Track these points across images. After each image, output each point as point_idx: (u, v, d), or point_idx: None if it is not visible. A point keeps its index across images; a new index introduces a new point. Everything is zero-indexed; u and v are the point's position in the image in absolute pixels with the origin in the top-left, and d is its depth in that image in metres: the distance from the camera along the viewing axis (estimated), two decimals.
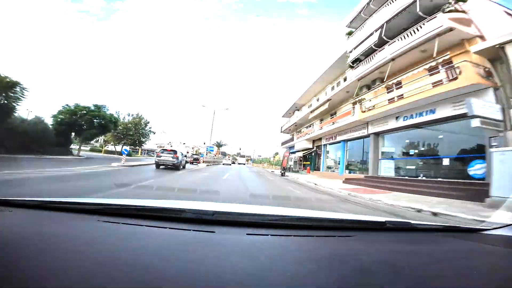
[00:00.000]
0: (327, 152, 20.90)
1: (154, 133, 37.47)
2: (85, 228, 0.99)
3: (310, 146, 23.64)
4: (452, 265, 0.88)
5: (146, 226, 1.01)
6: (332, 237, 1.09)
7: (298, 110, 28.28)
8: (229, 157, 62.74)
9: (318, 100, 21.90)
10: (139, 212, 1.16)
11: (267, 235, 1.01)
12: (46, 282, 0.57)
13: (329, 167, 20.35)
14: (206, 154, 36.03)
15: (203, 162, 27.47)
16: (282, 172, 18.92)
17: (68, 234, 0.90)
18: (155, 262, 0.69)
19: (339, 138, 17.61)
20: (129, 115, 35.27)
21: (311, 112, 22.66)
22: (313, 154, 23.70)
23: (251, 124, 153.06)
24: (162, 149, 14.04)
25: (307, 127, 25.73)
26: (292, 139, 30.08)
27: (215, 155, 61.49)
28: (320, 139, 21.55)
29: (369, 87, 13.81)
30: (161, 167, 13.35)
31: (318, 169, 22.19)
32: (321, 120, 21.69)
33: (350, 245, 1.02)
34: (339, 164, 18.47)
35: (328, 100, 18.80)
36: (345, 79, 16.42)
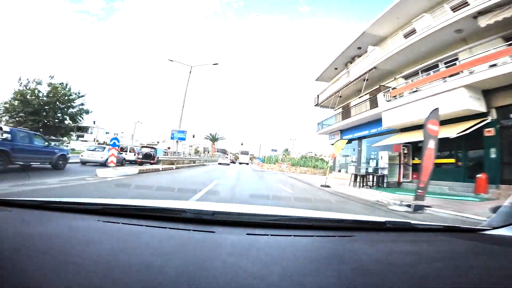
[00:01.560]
0: None
1: (88, 113, 21.58)
2: (85, 228, 0.97)
3: (481, 108, 7.53)
4: (452, 265, 0.87)
5: (146, 226, 1.00)
6: (332, 237, 1.08)
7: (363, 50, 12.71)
8: (227, 154, 46.83)
9: None
10: (139, 212, 1.15)
11: (267, 235, 1.00)
12: (46, 282, 0.56)
13: None
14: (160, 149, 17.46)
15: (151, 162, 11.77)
16: None
17: (68, 234, 0.89)
18: (155, 262, 0.68)
19: None
20: (37, 82, 18.95)
21: None
22: (493, 131, 7.54)
23: (255, 117, 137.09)
24: None
25: (435, 71, 9.61)
26: (346, 112, 14.46)
27: (209, 153, 45.50)
28: None
29: None
30: None
31: None
32: None
33: (350, 245, 1.01)
34: None
35: None
36: None
